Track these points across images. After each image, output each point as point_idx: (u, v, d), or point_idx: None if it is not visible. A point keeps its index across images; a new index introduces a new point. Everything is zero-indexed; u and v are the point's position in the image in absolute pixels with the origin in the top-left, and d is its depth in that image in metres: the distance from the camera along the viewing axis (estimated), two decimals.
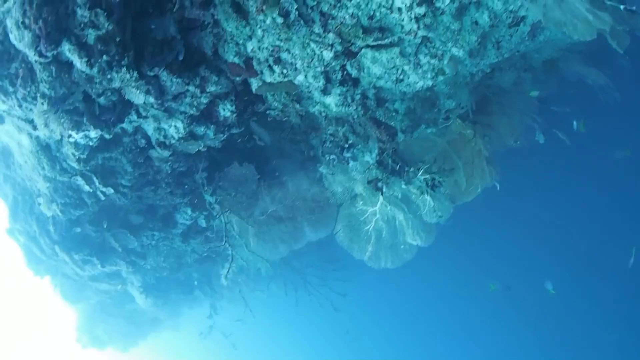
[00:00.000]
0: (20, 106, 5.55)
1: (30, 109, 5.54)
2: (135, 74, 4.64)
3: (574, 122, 8.96)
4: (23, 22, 4.36)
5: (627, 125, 12.25)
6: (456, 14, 5.19)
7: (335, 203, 7.50)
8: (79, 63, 4.65)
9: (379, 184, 6.89)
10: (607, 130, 11.60)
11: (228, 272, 7.71)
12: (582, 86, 10.54)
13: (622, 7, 5.75)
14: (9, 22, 4.59)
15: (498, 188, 8.73)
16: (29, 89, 5.27)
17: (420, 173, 6.75)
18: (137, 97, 5.08)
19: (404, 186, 6.90)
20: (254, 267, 8.58)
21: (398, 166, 6.79)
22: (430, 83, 6.00)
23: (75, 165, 6.60)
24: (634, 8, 5.99)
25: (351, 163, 6.94)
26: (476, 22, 5.42)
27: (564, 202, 13.78)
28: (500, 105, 8.80)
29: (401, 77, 5.87)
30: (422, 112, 7.07)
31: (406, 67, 5.72)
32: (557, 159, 12.31)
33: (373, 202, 7.13)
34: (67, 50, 4.57)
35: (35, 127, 5.91)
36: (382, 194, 6.96)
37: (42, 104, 5.28)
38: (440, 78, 6.02)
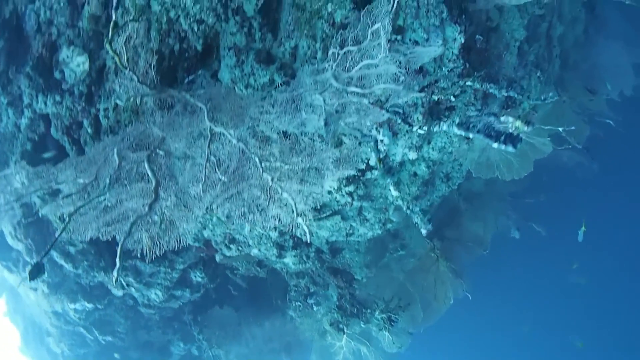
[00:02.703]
0: (24, 282, 6.69)
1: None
2: (112, 278, 5.70)
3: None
4: (16, 236, 5.54)
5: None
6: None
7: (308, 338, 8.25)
8: (66, 265, 5.78)
9: (340, 326, 7.63)
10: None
11: None
12: (554, 169, 10.78)
13: (560, 129, 6.03)
14: (5, 230, 5.78)
15: (470, 298, 9.16)
16: None
17: (377, 313, 7.43)
18: (117, 292, 6.16)
19: (363, 325, 7.59)
20: None
21: (356, 309, 7.53)
22: (379, 232, 6.55)
23: (76, 320, 7.67)
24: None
25: (315, 308, 7.73)
26: (415, 174, 5.79)
27: None
28: (472, 210, 9.03)
29: (350, 231, 6.45)
30: (384, 245, 7.72)
31: (354, 224, 6.30)
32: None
33: (339, 338, 7.83)
34: (56, 256, 5.71)
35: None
36: (344, 333, 7.70)
37: (43, 287, 6.42)
38: (389, 225, 6.65)
